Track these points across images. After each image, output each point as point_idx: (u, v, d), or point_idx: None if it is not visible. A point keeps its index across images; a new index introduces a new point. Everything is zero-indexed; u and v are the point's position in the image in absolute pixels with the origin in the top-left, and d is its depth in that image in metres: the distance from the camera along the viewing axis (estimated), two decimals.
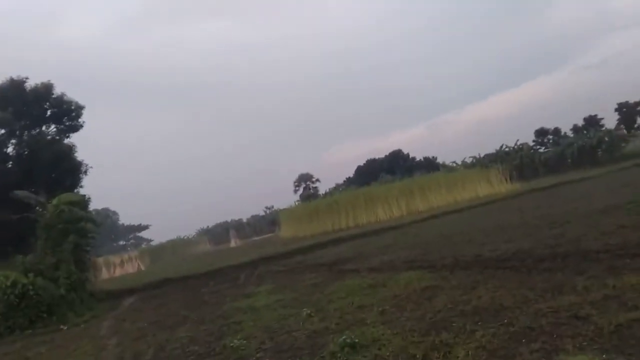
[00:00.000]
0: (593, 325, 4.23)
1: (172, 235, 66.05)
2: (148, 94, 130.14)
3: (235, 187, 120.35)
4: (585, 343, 3.93)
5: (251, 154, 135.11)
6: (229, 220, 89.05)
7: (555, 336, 4.20)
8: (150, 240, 78.49)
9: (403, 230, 19.60)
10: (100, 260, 38.50)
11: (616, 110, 58.42)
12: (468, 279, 7.35)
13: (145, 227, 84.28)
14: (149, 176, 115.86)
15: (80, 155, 21.26)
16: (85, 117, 21.47)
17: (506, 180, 37.72)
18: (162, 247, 58.57)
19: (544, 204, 17.40)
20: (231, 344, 6.29)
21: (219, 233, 77.16)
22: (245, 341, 6.36)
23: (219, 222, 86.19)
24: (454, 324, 5.16)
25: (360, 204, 32.57)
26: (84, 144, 22.16)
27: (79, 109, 21.23)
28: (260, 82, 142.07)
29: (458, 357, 4.17)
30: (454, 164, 55.18)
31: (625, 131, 53.34)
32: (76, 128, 21.55)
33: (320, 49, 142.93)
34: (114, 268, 41.45)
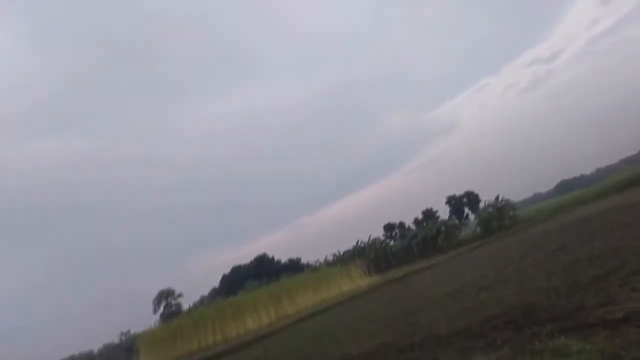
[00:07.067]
0: None
1: None
2: None
3: (83, 315, 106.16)
4: None
5: (101, 278, 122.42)
6: (76, 353, 77.35)
7: None
8: None
9: (273, 339, 19.03)
10: None
11: (446, 202, 67.07)
12: None
13: None
14: None
15: None
16: None
17: (365, 274, 39.85)
18: None
19: (399, 294, 18.64)
20: None
21: None
22: None
23: (63, 357, 74.38)
24: None
25: (228, 315, 31.01)
26: None
27: None
28: (108, 198, 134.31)
29: None
30: (317, 263, 56.92)
31: (456, 221, 61.08)
32: None
33: (172, 162, 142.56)
34: None
